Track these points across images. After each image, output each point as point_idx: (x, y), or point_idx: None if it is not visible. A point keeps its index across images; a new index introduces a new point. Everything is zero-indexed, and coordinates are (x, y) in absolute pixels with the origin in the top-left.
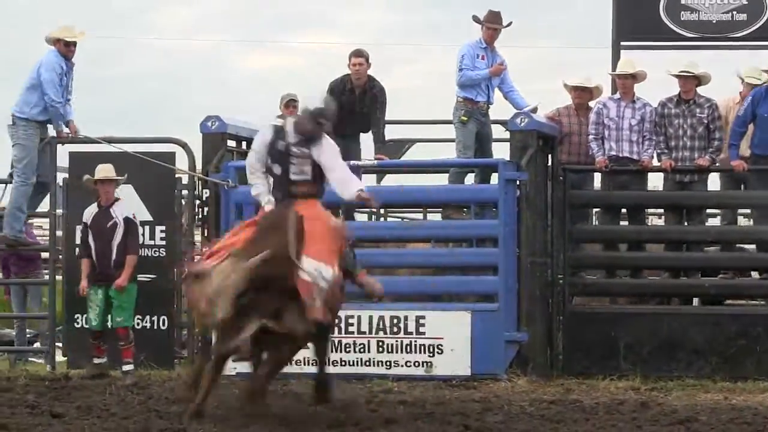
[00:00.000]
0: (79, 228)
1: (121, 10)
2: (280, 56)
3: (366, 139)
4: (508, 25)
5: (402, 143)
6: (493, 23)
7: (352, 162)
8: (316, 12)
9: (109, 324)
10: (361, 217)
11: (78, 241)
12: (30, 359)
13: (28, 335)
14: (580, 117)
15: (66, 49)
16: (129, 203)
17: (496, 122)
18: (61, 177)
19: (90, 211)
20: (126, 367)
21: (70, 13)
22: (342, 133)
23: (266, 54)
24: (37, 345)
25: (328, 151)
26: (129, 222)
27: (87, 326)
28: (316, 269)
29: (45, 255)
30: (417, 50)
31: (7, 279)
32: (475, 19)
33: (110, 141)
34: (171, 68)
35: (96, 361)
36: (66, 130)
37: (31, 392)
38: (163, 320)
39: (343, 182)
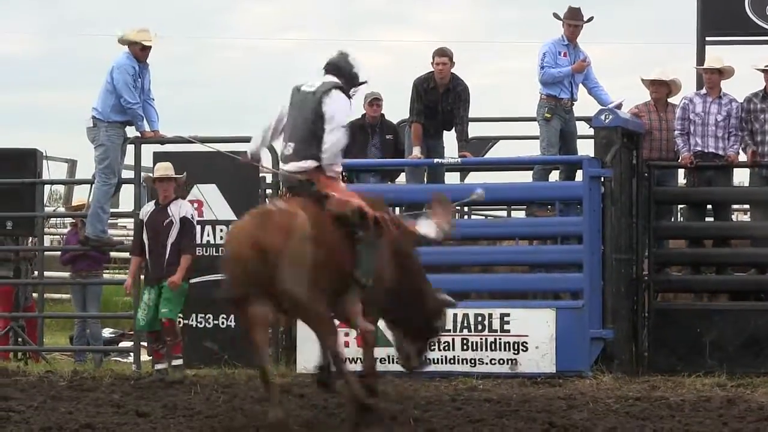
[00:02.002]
0: None
1: (199, 10)
2: (361, 54)
3: (449, 137)
4: (589, 20)
5: (485, 141)
6: (573, 20)
7: (435, 160)
8: (399, 10)
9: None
10: None
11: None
12: (114, 358)
13: (112, 335)
14: (660, 113)
15: (140, 52)
16: (187, 204)
17: (580, 119)
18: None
19: (147, 209)
20: (175, 362)
21: (148, 13)
22: (426, 131)
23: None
24: (122, 344)
25: (334, 103)
26: (185, 222)
27: (135, 328)
28: None
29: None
30: (501, 47)
31: (74, 278)
32: (556, 16)
33: (194, 141)
34: (250, 68)
35: (157, 366)
36: (147, 128)
37: (117, 391)
38: None
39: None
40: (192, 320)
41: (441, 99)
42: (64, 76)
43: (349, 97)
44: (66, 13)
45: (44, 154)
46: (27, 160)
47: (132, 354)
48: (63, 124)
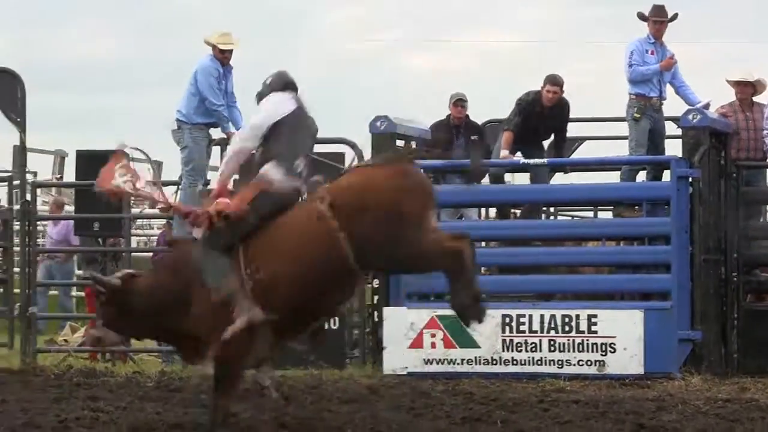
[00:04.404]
0: None
1: (286, 12)
2: (448, 55)
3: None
4: (674, 17)
5: (572, 141)
6: (658, 17)
7: (522, 160)
8: (483, 10)
9: None
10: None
11: None
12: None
13: None
14: (746, 112)
15: (221, 55)
16: None
17: (667, 119)
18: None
19: None
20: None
21: (232, 15)
22: (517, 139)
23: (434, 53)
24: None
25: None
26: None
27: None
28: None
29: None
30: (587, 47)
31: None
32: (640, 15)
33: None
34: (337, 68)
35: None
36: (233, 130)
37: (205, 392)
38: (335, 320)
39: None
40: None
41: (544, 120)
42: (151, 77)
43: None
44: (154, 15)
45: (130, 156)
46: None
47: None
48: (149, 126)
